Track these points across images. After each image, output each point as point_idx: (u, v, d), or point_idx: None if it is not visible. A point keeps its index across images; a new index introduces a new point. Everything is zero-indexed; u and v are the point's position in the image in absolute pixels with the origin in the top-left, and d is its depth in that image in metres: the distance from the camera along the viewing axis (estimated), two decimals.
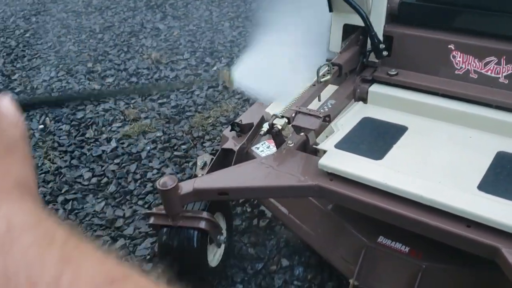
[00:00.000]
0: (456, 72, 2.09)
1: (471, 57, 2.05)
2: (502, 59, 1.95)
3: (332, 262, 1.97)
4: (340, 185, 1.72)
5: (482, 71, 2.03)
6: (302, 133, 1.94)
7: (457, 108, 2.02)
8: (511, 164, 1.77)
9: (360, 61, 2.25)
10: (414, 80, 2.14)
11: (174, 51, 4.03)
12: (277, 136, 1.95)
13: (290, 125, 1.85)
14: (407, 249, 1.82)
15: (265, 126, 1.94)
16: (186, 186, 1.84)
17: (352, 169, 1.73)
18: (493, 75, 1.99)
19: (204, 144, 3.01)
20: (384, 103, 2.16)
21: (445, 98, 2.06)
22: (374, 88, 2.18)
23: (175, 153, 2.97)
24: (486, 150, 1.84)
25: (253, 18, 4.37)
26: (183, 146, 3.01)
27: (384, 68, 2.21)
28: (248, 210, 2.50)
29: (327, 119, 1.86)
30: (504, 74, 1.97)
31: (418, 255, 1.79)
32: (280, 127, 1.88)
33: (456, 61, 2.08)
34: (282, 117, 1.89)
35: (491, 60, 1.98)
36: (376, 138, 1.96)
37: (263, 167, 1.87)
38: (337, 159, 1.79)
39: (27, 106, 0.84)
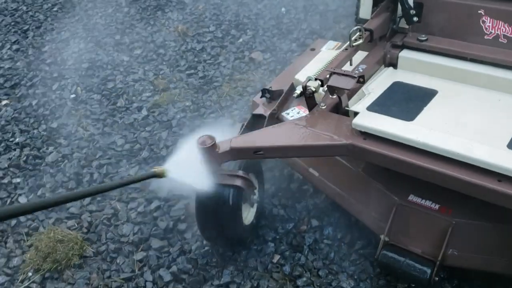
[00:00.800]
0: (485, 37, 2.12)
1: (500, 22, 2.08)
2: None
3: (363, 220, 2.04)
4: (373, 144, 1.79)
5: None
6: (334, 96, 2.00)
7: (486, 72, 2.06)
8: None
9: (391, 27, 2.29)
10: (443, 45, 2.18)
11: (200, 24, 4.09)
12: (309, 99, 2.01)
13: (325, 85, 1.91)
14: (437, 206, 1.89)
15: (299, 89, 2.00)
16: (224, 145, 1.92)
17: (385, 128, 1.79)
18: None
19: (232, 113, 3.08)
20: (414, 68, 2.20)
21: (475, 62, 2.10)
22: (404, 54, 2.23)
23: (205, 121, 3.05)
24: None
25: None
26: (212, 115, 3.09)
27: (414, 34, 2.25)
28: (277, 174, 2.59)
29: (361, 79, 1.92)
30: None
31: (448, 212, 1.86)
32: (313, 89, 1.94)
33: (486, 26, 2.11)
34: (316, 79, 1.95)
35: None
36: (407, 101, 2.01)
37: (297, 127, 1.94)
38: (370, 119, 1.85)
39: None
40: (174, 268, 2.20)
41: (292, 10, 4.11)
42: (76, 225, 2.48)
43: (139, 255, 2.29)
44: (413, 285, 2.00)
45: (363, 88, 2.12)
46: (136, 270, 2.22)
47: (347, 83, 1.86)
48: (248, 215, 2.22)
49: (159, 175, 1.78)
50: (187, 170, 1.88)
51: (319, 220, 2.32)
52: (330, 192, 2.18)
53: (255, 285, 2.10)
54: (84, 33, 4.11)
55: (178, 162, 1.89)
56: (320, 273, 2.10)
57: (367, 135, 1.82)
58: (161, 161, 2.78)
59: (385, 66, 2.28)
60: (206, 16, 4.19)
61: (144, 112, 3.18)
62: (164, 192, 2.56)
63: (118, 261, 2.28)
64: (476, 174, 1.61)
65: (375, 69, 2.23)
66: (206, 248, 2.27)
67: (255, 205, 2.25)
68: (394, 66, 2.26)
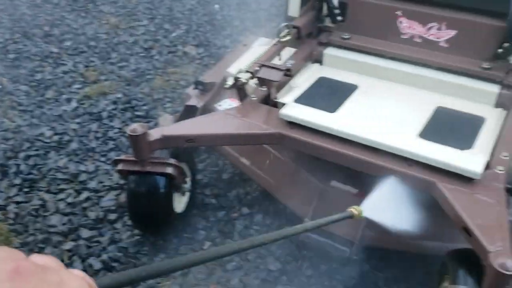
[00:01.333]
0: (402, 36, 2.30)
1: (416, 22, 2.26)
2: (443, 25, 2.18)
3: (289, 205, 2.15)
4: (299, 132, 1.91)
5: (425, 35, 2.25)
6: (264, 88, 2.10)
7: (403, 69, 2.24)
8: (447, 117, 2.01)
9: (317, 25, 2.43)
10: (364, 43, 2.34)
11: (133, 17, 4.07)
12: (240, 90, 2.10)
13: (255, 77, 2.01)
14: (355, 191, 2.03)
15: (230, 80, 2.08)
16: (156, 133, 1.96)
17: (309, 118, 1.92)
18: (434, 39, 2.22)
19: (165, 106, 3.11)
20: (338, 64, 2.35)
21: (392, 60, 2.28)
22: (329, 51, 2.37)
23: (136, 113, 3.06)
24: (427, 105, 2.07)
25: None
26: (144, 107, 3.10)
27: (338, 32, 2.40)
28: (210, 165, 2.65)
29: (288, 72, 2.03)
30: (444, 39, 2.20)
31: (365, 196, 2.00)
32: (244, 81, 2.03)
33: (403, 26, 2.29)
34: (247, 71, 2.04)
35: (433, 26, 2.20)
36: (330, 95, 2.15)
37: (228, 117, 2.02)
38: (296, 110, 1.97)
39: None
40: (104, 257, 2.21)
41: (225, 7, 4.19)
42: (1, 216, 2.42)
43: (68, 245, 2.27)
44: (334, 265, 2.13)
45: (291, 82, 2.24)
46: (66, 260, 2.21)
47: (275, 75, 1.96)
48: (180, 204, 2.27)
49: (357, 215, 1.71)
50: (385, 210, 1.83)
51: (250, 207, 2.41)
52: (259, 179, 2.28)
53: (185, 271, 2.15)
54: (10, 23, 3.98)
55: (375, 202, 1.83)
56: (249, 257, 2.19)
57: (293, 124, 1.93)
58: (91, 153, 2.77)
59: (312, 62, 2.41)
60: (139, 9, 4.18)
61: (73, 103, 3.13)
62: (94, 182, 2.56)
63: (46, 251, 2.25)
64: (390, 159, 1.76)
65: (302, 65, 2.36)
66: (137, 237, 2.30)
67: (187, 194, 2.30)
68: (320, 62, 2.39)
